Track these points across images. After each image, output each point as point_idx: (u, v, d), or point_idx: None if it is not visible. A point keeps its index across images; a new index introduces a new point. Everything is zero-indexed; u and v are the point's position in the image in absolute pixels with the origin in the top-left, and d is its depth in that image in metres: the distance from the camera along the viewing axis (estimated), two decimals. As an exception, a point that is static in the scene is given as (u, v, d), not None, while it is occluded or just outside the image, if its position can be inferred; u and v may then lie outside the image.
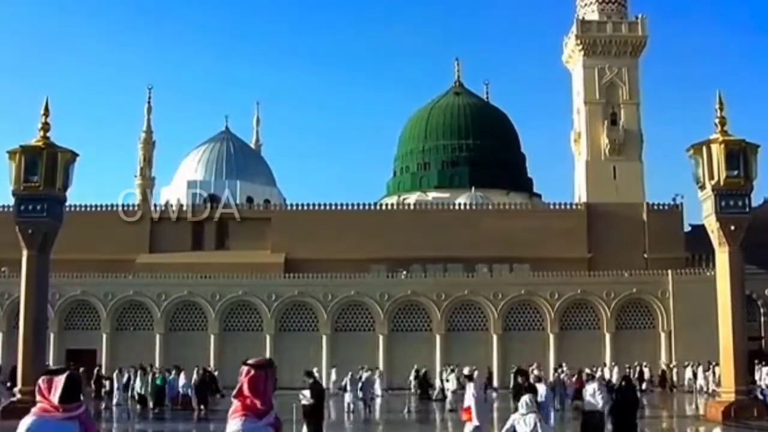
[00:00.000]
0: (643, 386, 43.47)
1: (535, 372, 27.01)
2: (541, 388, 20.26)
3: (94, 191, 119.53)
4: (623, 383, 19.68)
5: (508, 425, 15.05)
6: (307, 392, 18.00)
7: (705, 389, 44.87)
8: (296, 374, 36.35)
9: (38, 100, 30.42)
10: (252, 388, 4.94)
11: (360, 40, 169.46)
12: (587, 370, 25.03)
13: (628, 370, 42.06)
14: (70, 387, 5.00)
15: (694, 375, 47.53)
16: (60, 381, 4.99)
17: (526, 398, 15.60)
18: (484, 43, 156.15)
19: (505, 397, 39.12)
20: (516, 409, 14.30)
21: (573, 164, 70.66)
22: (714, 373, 45.17)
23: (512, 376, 32.27)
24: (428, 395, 42.55)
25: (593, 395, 18.19)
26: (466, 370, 17.30)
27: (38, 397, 5.08)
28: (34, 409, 5.06)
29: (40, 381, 5.08)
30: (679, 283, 53.81)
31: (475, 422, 15.58)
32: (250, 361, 5.08)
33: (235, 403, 4.97)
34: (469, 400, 15.84)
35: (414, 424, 32.11)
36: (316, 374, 22.44)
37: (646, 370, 49.57)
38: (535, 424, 14.27)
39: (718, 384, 43.67)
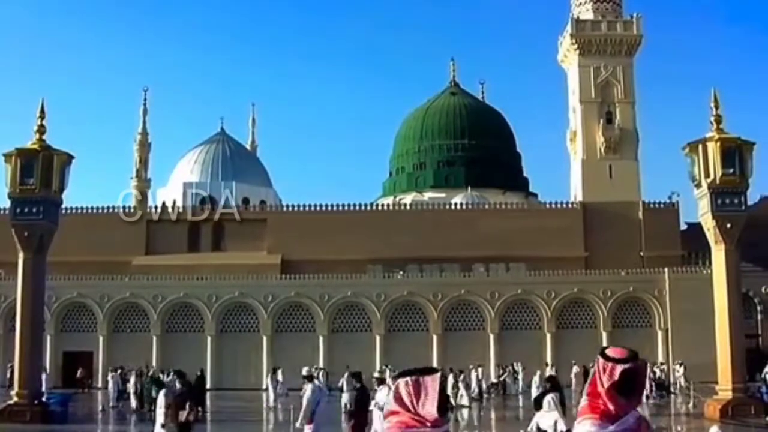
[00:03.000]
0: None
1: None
2: (381, 393, 17.78)
3: (90, 193, 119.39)
4: (548, 385, 18.12)
5: (533, 423, 15.37)
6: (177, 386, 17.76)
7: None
8: (295, 376, 36.37)
9: (34, 102, 30.35)
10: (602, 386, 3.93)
11: (355, 40, 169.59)
12: (375, 374, 22.81)
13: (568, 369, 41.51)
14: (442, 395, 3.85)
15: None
16: (432, 385, 3.80)
17: (549, 397, 15.76)
18: (479, 43, 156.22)
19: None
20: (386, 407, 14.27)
21: (569, 163, 70.71)
22: (661, 371, 45.25)
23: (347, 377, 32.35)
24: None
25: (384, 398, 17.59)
26: (304, 371, 16.81)
27: (394, 406, 3.83)
28: (387, 424, 3.84)
29: (401, 384, 3.83)
30: (676, 282, 53.87)
31: (313, 426, 15.35)
32: (608, 353, 3.99)
33: (583, 402, 4.02)
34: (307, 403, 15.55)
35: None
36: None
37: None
38: (555, 422, 14.49)
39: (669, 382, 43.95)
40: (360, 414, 17.91)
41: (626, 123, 66.21)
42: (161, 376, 36.57)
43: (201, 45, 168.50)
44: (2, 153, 28.50)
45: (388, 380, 18.38)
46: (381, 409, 17.21)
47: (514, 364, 48.46)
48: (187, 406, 17.03)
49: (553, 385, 18.00)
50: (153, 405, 34.75)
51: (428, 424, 3.71)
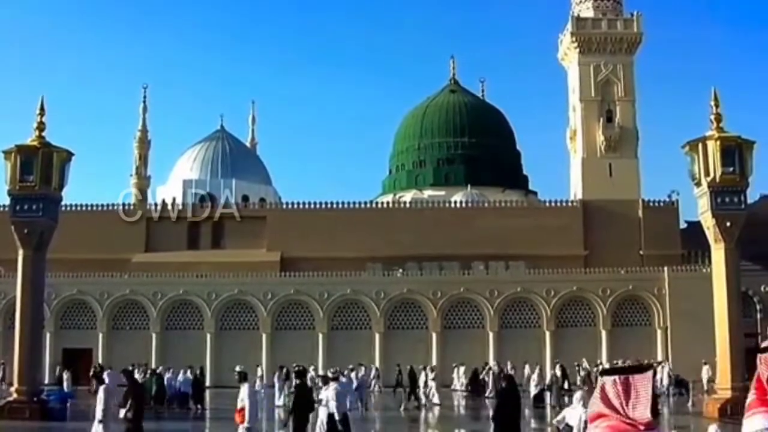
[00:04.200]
0: (566, 385, 43.43)
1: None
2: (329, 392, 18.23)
3: (90, 191, 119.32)
4: (505, 385, 18.05)
5: (560, 416, 15.70)
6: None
7: None
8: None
9: (33, 100, 30.35)
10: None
11: (355, 38, 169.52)
12: (320, 372, 22.25)
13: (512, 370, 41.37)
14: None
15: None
16: (643, 384, 3.45)
17: (578, 393, 15.98)
18: (479, 41, 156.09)
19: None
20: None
21: (568, 161, 70.69)
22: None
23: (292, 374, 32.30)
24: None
25: (331, 398, 17.76)
26: (237, 368, 16.84)
27: (602, 408, 3.48)
28: (596, 430, 3.48)
29: (607, 384, 3.50)
30: (675, 280, 53.90)
31: (247, 424, 15.38)
32: (762, 345, 3.72)
33: (750, 397, 3.76)
34: (242, 401, 15.57)
35: (409, 422, 32.14)
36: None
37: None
38: (579, 418, 14.67)
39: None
40: (300, 412, 17.92)
41: (626, 121, 66.18)
42: (164, 372, 36.62)
43: (201, 42, 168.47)
44: (2, 150, 28.50)
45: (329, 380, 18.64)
46: (325, 406, 17.54)
47: (499, 362, 48.32)
48: (128, 404, 16.88)
49: (509, 383, 18.07)
50: (151, 401, 34.98)
51: (641, 427, 3.37)
